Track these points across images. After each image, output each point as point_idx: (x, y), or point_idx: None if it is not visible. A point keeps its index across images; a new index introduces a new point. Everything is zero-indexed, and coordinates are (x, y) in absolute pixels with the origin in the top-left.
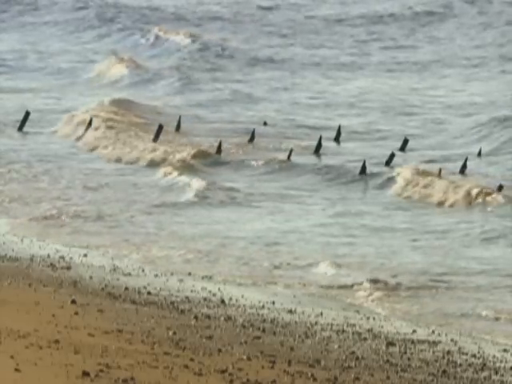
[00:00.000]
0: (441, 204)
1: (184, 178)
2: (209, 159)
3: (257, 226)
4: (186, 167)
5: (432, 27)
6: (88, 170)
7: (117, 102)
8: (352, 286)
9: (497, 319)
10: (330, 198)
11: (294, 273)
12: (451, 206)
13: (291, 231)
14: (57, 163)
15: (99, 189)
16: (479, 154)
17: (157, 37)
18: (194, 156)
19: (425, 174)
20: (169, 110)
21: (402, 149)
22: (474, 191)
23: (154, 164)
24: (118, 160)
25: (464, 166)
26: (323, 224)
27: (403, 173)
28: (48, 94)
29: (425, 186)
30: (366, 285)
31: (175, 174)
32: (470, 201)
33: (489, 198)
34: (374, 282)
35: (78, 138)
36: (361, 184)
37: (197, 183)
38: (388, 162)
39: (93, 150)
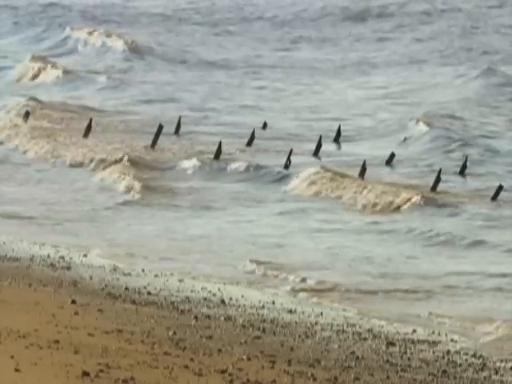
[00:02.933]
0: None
1: (120, 179)
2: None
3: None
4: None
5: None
6: (22, 171)
7: (47, 104)
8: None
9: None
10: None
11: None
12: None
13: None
14: None
15: (36, 190)
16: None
17: (83, 37)
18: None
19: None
20: (99, 111)
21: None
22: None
23: (85, 164)
24: (48, 160)
25: (390, 159)
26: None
27: (305, 173)
28: None
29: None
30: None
31: (111, 174)
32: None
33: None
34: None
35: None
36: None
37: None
38: (388, 162)
39: (25, 151)
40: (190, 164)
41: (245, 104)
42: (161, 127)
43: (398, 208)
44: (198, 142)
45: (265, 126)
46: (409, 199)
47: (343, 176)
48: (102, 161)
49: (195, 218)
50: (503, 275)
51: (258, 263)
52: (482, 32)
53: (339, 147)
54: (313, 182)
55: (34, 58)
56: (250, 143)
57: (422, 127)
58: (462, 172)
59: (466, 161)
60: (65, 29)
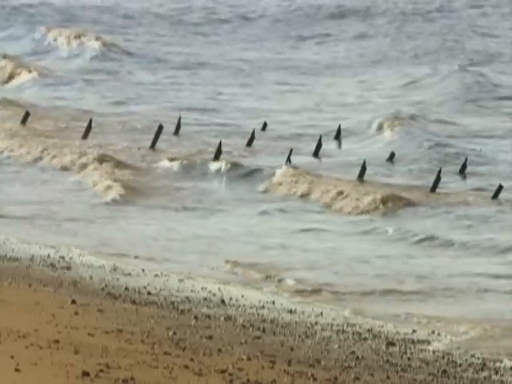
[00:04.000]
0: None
1: (100, 180)
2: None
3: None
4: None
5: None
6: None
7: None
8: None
9: None
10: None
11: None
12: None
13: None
14: None
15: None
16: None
17: (58, 37)
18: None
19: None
20: (74, 112)
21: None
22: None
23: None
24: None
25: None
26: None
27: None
28: None
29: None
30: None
31: (93, 175)
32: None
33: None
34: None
35: None
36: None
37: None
38: (390, 159)
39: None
40: (171, 164)
41: (206, 105)
42: (161, 127)
43: (376, 208)
44: (199, 142)
45: (264, 126)
46: (386, 200)
47: (319, 176)
48: (85, 163)
49: (172, 218)
50: (479, 275)
51: (235, 264)
52: (457, 32)
53: (339, 145)
54: (289, 183)
55: (8, 58)
56: (249, 143)
57: (395, 127)
58: (462, 171)
59: (465, 161)
60: (40, 29)
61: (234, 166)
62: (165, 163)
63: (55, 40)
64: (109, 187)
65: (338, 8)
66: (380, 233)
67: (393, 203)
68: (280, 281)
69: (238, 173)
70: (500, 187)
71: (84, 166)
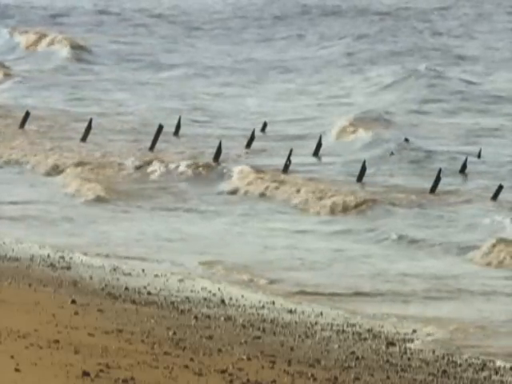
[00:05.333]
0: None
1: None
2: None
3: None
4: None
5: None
6: None
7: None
8: None
9: None
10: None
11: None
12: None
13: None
14: None
15: None
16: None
17: (25, 39)
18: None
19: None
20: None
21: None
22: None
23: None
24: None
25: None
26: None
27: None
28: None
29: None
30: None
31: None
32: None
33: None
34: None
35: None
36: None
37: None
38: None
39: None
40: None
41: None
42: (160, 128)
43: (346, 210)
44: (200, 144)
45: (264, 126)
46: (346, 200)
47: (273, 174)
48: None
49: (145, 219)
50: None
51: (210, 264)
52: (417, 33)
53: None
54: (251, 183)
55: None
56: (249, 144)
57: (354, 129)
58: (463, 171)
59: (465, 161)
60: (5, 30)
61: (204, 167)
62: (130, 163)
63: (22, 41)
64: (88, 189)
65: (301, 7)
66: (352, 233)
67: (361, 205)
68: (249, 280)
69: (207, 174)
70: (500, 187)
71: (63, 170)
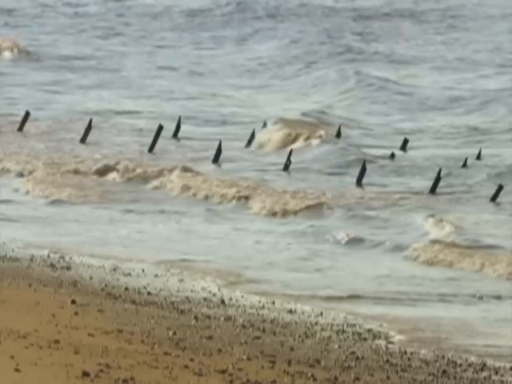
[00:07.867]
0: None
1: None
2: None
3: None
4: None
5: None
6: None
7: None
8: None
9: None
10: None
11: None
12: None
13: None
14: None
15: None
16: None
17: None
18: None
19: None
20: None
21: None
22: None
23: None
24: None
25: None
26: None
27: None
28: None
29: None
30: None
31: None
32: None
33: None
34: None
35: None
36: None
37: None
38: (392, 156)
39: None
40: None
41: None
42: (160, 128)
43: (295, 212)
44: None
45: (264, 126)
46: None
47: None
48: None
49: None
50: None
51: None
52: (343, 34)
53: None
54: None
55: None
56: (249, 144)
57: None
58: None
59: (466, 160)
60: None
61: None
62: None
63: None
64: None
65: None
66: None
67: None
68: (201, 278)
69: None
70: (500, 187)
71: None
